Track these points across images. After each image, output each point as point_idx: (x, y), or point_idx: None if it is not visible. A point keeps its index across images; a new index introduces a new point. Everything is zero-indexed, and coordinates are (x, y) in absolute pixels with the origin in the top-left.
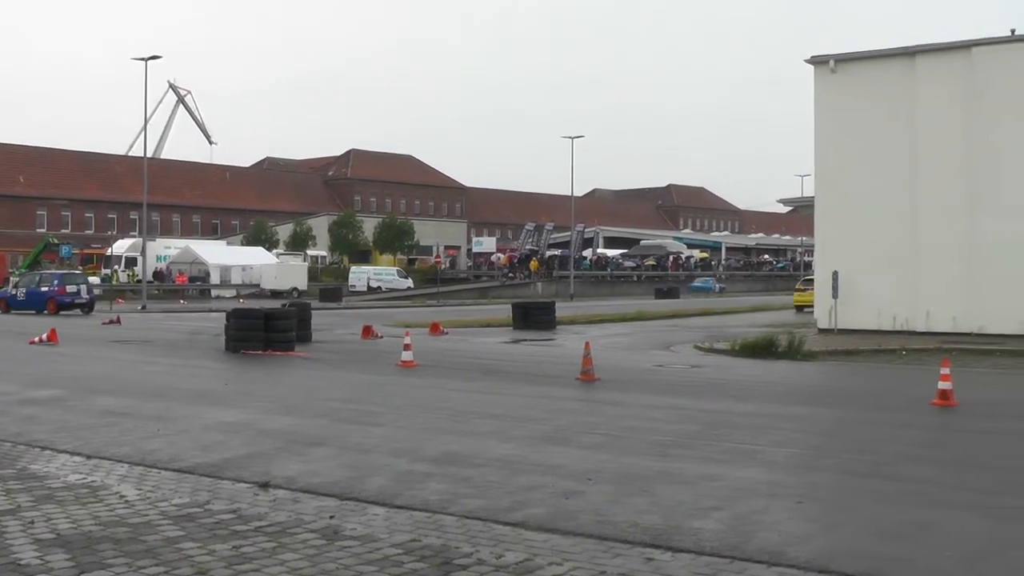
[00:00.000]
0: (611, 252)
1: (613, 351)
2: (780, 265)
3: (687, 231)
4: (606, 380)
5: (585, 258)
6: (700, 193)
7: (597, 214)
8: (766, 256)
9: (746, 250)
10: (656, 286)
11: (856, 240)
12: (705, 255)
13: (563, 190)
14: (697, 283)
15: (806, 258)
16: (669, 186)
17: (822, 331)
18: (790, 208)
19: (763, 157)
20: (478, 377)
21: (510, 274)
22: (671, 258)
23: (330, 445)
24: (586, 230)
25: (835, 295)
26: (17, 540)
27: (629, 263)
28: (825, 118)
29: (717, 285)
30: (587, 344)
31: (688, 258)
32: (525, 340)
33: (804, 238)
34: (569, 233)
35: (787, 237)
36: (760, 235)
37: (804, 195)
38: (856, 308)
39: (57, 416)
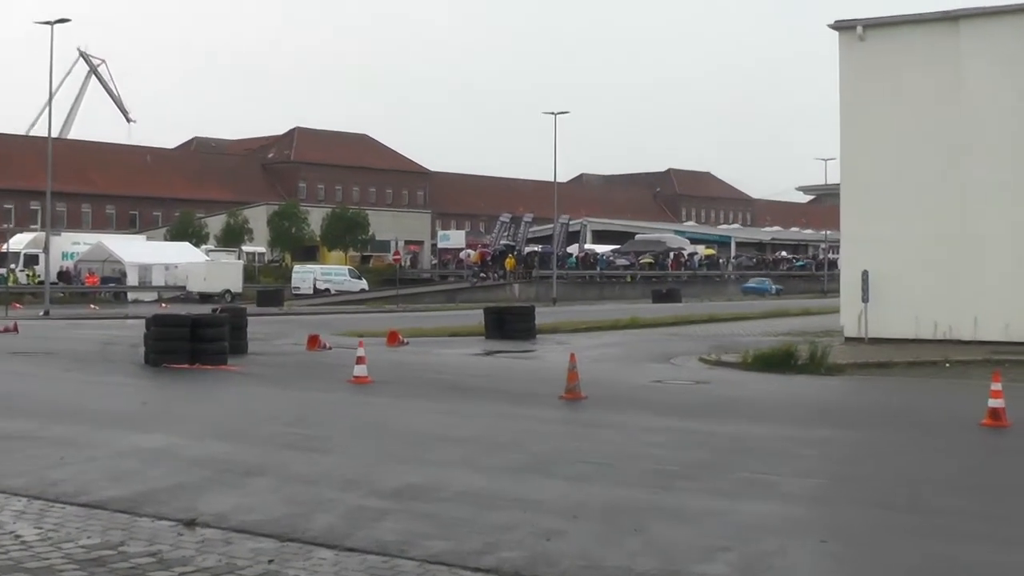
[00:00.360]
0: (601, 248)
1: (603, 364)
2: (800, 263)
3: (690, 224)
4: (595, 398)
5: (570, 255)
6: (705, 179)
7: (584, 203)
8: (783, 253)
9: (759, 245)
10: (654, 288)
11: (889, 234)
12: (711, 251)
13: (544, 175)
14: (751, 284)
15: (830, 255)
16: (669, 171)
17: (850, 340)
18: (811, 197)
19: (779, 138)
20: (444, 396)
21: (482, 274)
22: (671, 255)
23: (269, 475)
24: (571, 222)
25: (865, 298)
26: None
27: (622, 261)
28: (851, 93)
29: (774, 286)
30: (572, 356)
31: (691, 255)
32: (499, 352)
33: (828, 232)
34: (551, 226)
35: (808, 231)
36: (776, 228)
37: (827, 182)
38: (890, 313)
39: None
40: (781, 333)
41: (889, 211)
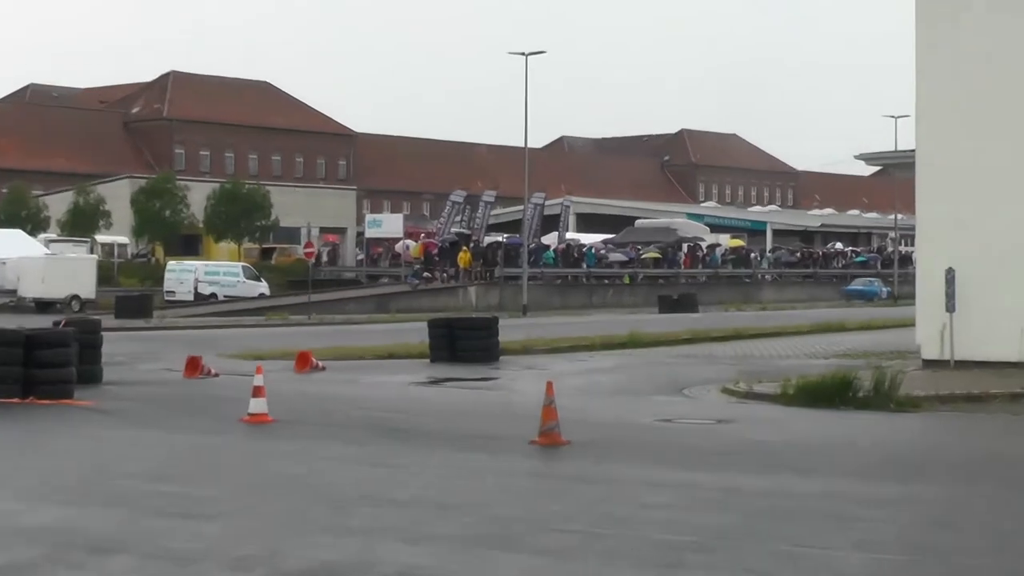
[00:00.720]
0: (589, 238)
1: (591, 397)
2: (860, 258)
3: (710, 204)
4: (579, 444)
5: (547, 248)
6: (730, 145)
7: (567, 177)
8: (837, 244)
9: (805, 235)
10: (660, 292)
11: (984, 219)
12: (739, 243)
13: (512, 140)
14: (856, 285)
15: (902, 247)
16: (681, 133)
17: (929, 364)
18: (875, 169)
19: (830, 94)
20: (373, 440)
21: (426, 273)
22: (685, 248)
23: (130, 552)
24: (549, 203)
25: (950, 307)
26: None
27: (617, 256)
28: (931, 27)
29: (884, 289)
30: (549, 386)
31: (712, 248)
32: (450, 380)
33: (900, 216)
34: (521, 208)
35: (871, 215)
36: (828, 211)
37: (898, 148)
38: (985, 327)
39: None
40: (834, 354)
41: (984, 187)
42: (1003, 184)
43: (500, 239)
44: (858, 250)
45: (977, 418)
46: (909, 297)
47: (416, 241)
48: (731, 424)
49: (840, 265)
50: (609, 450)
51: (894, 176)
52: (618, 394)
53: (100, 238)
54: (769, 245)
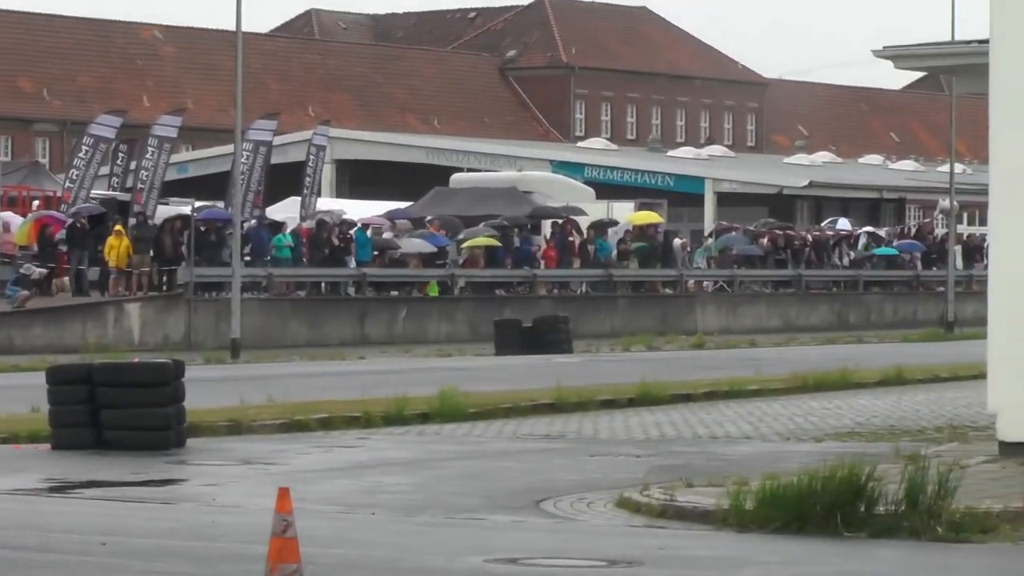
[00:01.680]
0: (361, 208)
1: (367, 520)
2: (883, 250)
3: (596, 143)
4: None
5: (281, 227)
6: (635, 26)
7: (322, 88)
8: (841, 222)
9: (780, 200)
10: (498, 315)
11: None
12: (653, 217)
13: (213, 17)
14: None
15: (965, 229)
16: (541, 1)
17: (1013, 450)
18: (915, 77)
19: None
20: None
21: (40, 268)
22: (547, 228)
23: None
24: (283, 140)
25: None
26: None
27: (416, 243)
28: None
29: None
30: (283, 497)
31: (601, 227)
32: (92, 485)
33: (963, 167)
34: (230, 150)
35: (905, 164)
36: (823, 156)
37: (955, 38)
38: None
39: None
40: (832, 433)
41: None
42: None
43: (188, 211)
44: (880, 232)
45: None
46: (976, 323)
47: (23, 216)
48: (632, 571)
49: (846, 261)
50: None
51: (947, 92)
52: (420, 511)
53: None
54: (710, 223)
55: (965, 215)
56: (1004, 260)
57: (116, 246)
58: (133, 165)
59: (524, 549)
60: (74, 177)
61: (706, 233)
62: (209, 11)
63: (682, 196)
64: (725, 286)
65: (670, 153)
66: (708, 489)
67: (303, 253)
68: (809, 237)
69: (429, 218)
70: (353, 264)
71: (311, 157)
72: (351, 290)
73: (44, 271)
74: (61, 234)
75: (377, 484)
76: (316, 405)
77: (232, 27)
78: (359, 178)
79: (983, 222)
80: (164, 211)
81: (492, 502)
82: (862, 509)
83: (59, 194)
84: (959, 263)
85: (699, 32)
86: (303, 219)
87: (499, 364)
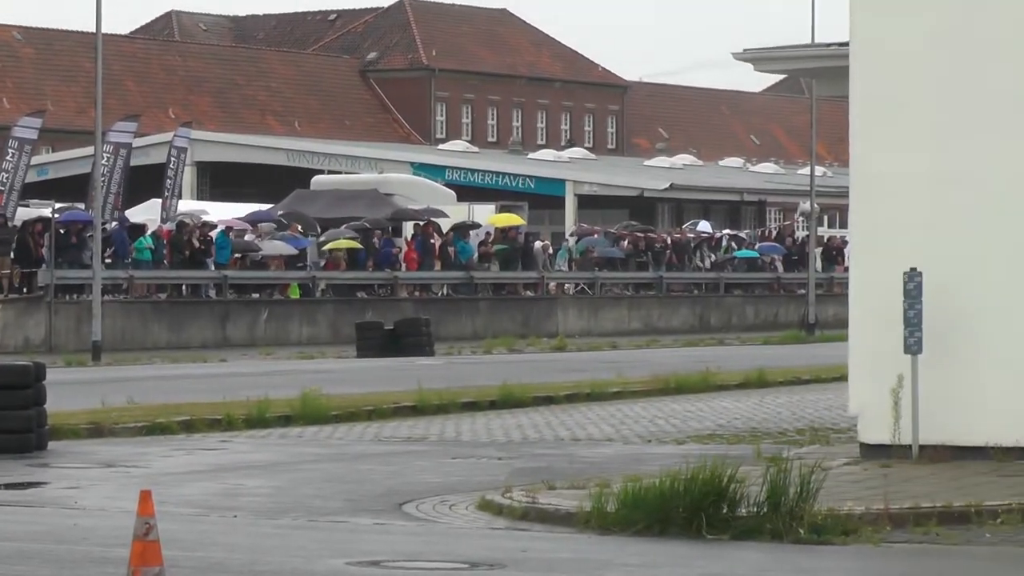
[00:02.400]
0: (221, 210)
1: (228, 522)
2: (744, 252)
3: (457, 145)
4: None
5: (142, 229)
6: (497, 28)
7: (182, 89)
8: (702, 224)
9: (642, 204)
10: (360, 317)
11: (978, 188)
12: (514, 220)
13: (73, 19)
14: None
15: (825, 231)
16: (400, 3)
17: (873, 452)
18: (775, 79)
19: None
20: None
21: None
22: (409, 230)
23: None
24: (144, 141)
25: (913, 347)
26: None
27: (277, 245)
28: None
29: None
30: (145, 499)
31: (462, 230)
32: None
33: (824, 170)
34: (90, 151)
35: (766, 167)
36: (683, 159)
37: (815, 40)
38: (976, 385)
39: None
40: (694, 435)
41: (976, 130)
42: (1008, 130)
43: (49, 213)
44: (741, 234)
45: (962, 557)
46: (837, 325)
47: None
48: (494, 573)
49: (708, 264)
50: None
51: (807, 94)
52: (281, 514)
53: None
54: (571, 225)
55: (825, 218)
56: (864, 262)
57: None
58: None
59: (386, 552)
60: None
61: (567, 235)
62: (68, 13)
63: (543, 198)
64: (586, 288)
65: (531, 155)
66: (570, 491)
67: (164, 255)
68: (670, 240)
69: (281, 212)
70: (213, 265)
71: (172, 159)
72: (212, 292)
73: None
74: None
75: (239, 487)
76: (178, 408)
77: (91, 29)
78: (220, 180)
79: (843, 224)
80: (24, 213)
81: (354, 505)
82: (724, 511)
83: None
84: (819, 265)
85: (560, 35)
86: (164, 221)
87: (361, 366)
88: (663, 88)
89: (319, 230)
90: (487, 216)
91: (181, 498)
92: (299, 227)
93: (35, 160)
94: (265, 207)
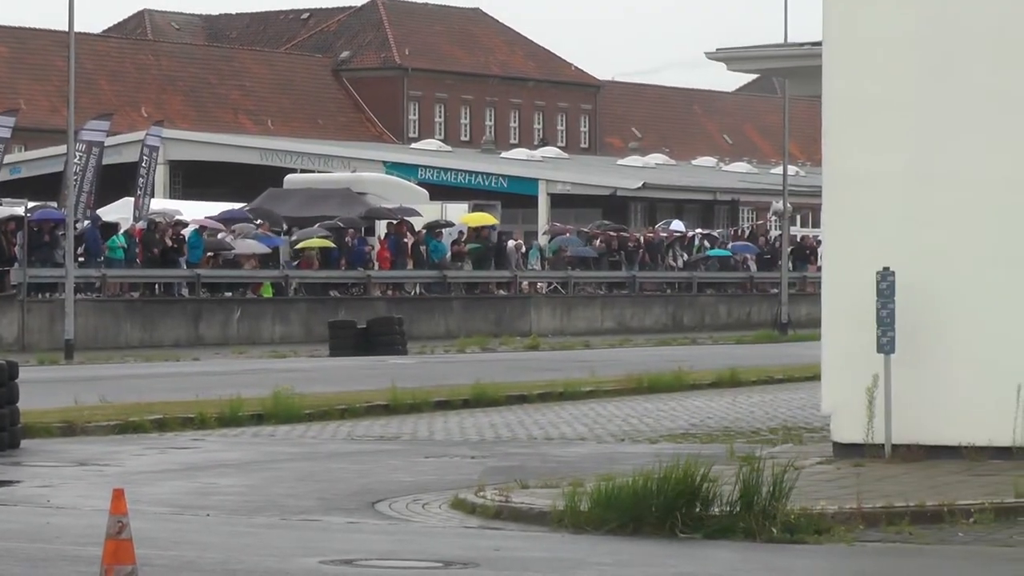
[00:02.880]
0: (194, 209)
1: (202, 521)
2: (716, 251)
3: (430, 144)
4: None
5: (115, 228)
6: (470, 28)
7: (154, 88)
8: (675, 223)
9: (614, 203)
10: (333, 316)
11: (951, 188)
12: (487, 219)
13: (50, 18)
14: None
15: (799, 231)
16: (373, 2)
17: (846, 451)
18: (748, 79)
19: None
20: None
21: None
22: (382, 229)
23: None
24: (116, 140)
25: (886, 346)
26: None
27: (250, 244)
28: None
29: None
30: (118, 498)
31: (435, 229)
32: None
33: (797, 169)
34: (62, 151)
35: (738, 166)
36: (656, 158)
37: (788, 39)
38: (951, 385)
39: None
40: (667, 435)
41: (951, 132)
42: (984, 130)
43: (22, 211)
44: (714, 234)
45: (935, 556)
46: (810, 324)
47: None
48: (468, 572)
49: (680, 263)
50: None
51: (779, 94)
52: (255, 513)
53: None
54: (544, 224)
55: (798, 217)
56: (837, 262)
57: None
58: None
59: (359, 550)
60: None
61: (540, 234)
62: (41, 11)
63: (516, 197)
64: (559, 287)
65: (504, 155)
66: (543, 490)
67: (137, 254)
68: (643, 239)
69: (248, 209)
70: (186, 264)
71: (144, 158)
72: (185, 291)
73: None
74: None
75: (212, 485)
76: (150, 406)
77: (64, 27)
78: (193, 179)
79: (816, 224)
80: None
81: (327, 503)
82: (697, 510)
83: None
84: (792, 265)
85: (533, 34)
86: (137, 220)
87: (333, 365)
88: (636, 87)
89: (285, 227)
90: (460, 215)
91: (154, 497)
92: (267, 224)
93: (8, 159)
94: (238, 206)
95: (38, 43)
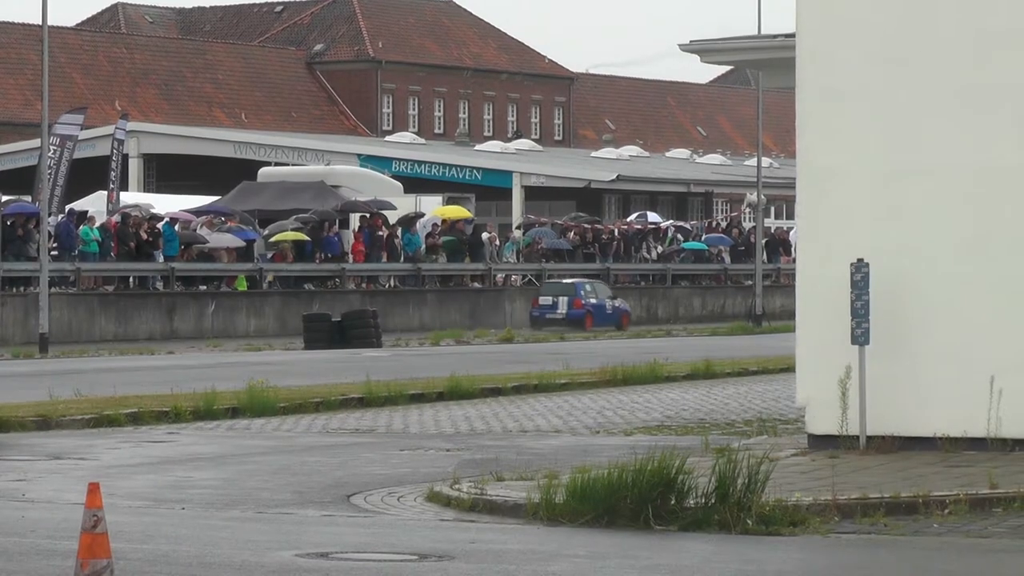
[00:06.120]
0: (167, 202)
1: (176, 514)
2: (692, 244)
3: (403, 137)
4: None
5: (88, 220)
6: (441, 19)
7: (127, 82)
8: (650, 216)
9: (589, 195)
10: (308, 308)
11: (924, 180)
12: (461, 212)
13: (21, 11)
14: (546, 299)
15: (772, 223)
16: None
17: (820, 443)
18: (721, 71)
19: None
20: None
21: None
22: (355, 222)
23: None
24: (89, 133)
25: (860, 338)
26: None
27: (224, 238)
28: None
29: (610, 302)
30: (94, 492)
31: (409, 221)
32: None
33: (771, 161)
34: (36, 144)
35: (712, 158)
36: (630, 150)
37: (762, 31)
38: (925, 376)
39: None
40: (643, 427)
41: (926, 127)
42: (962, 123)
43: None
44: (687, 226)
45: (909, 547)
46: (784, 316)
47: None
48: (443, 565)
49: (655, 255)
50: None
51: (753, 86)
52: (230, 506)
53: None
54: (518, 217)
55: (772, 209)
56: (811, 254)
57: None
58: None
59: (335, 543)
60: None
61: (514, 227)
62: (13, 5)
63: (490, 190)
64: (534, 280)
65: (478, 147)
66: (518, 483)
67: (111, 248)
68: (617, 231)
69: (236, 209)
70: (161, 258)
71: (114, 151)
72: (159, 285)
73: None
74: None
75: (187, 479)
76: (125, 400)
77: (37, 21)
78: (167, 172)
79: (790, 216)
80: None
81: (302, 496)
82: (672, 502)
83: None
84: (766, 256)
85: (506, 26)
86: (110, 214)
87: (308, 358)
88: (610, 80)
89: (255, 223)
90: (434, 208)
91: (129, 490)
92: (237, 219)
93: None
94: (212, 199)
95: (11, 37)
